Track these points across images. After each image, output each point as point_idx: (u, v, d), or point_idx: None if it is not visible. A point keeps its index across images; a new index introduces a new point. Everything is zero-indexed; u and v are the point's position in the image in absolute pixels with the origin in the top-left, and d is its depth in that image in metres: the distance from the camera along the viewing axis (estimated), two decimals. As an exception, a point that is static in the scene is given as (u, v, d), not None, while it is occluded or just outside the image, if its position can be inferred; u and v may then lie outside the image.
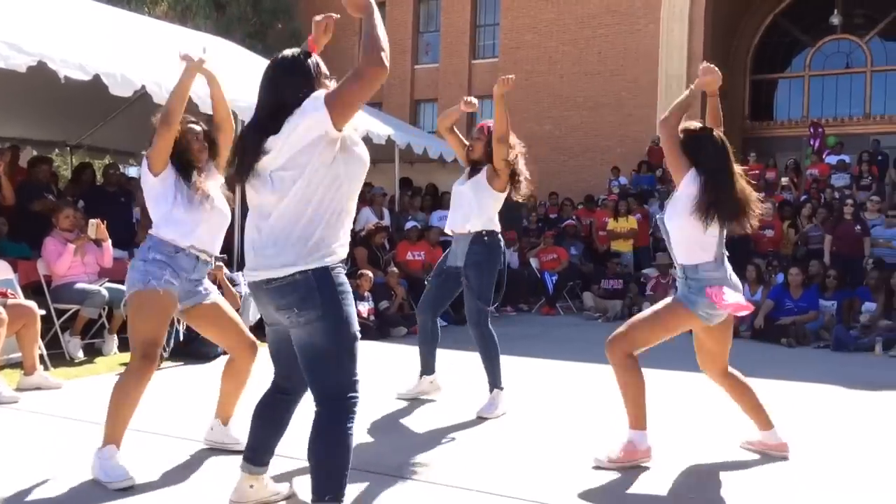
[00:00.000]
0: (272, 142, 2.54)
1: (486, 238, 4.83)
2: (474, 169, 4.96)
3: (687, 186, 3.70)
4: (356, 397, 2.57)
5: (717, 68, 3.84)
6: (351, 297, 2.62)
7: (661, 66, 17.61)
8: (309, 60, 2.65)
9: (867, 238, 10.46)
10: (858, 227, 10.55)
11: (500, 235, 4.94)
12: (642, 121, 17.65)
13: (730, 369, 4.04)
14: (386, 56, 2.47)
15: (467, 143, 5.04)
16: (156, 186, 3.57)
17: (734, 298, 3.66)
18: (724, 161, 3.74)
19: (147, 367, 3.43)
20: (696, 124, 3.87)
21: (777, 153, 16.58)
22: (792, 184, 14.26)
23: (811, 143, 15.93)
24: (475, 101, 4.91)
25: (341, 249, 2.62)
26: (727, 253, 3.85)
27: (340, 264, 2.62)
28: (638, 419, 3.82)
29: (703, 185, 3.66)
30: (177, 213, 3.54)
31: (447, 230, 5.10)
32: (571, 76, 18.60)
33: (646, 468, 3.74)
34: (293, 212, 2.54)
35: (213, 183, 3.71)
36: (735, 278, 3.83)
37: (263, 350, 3.23)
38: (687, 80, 17.27)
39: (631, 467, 3.73)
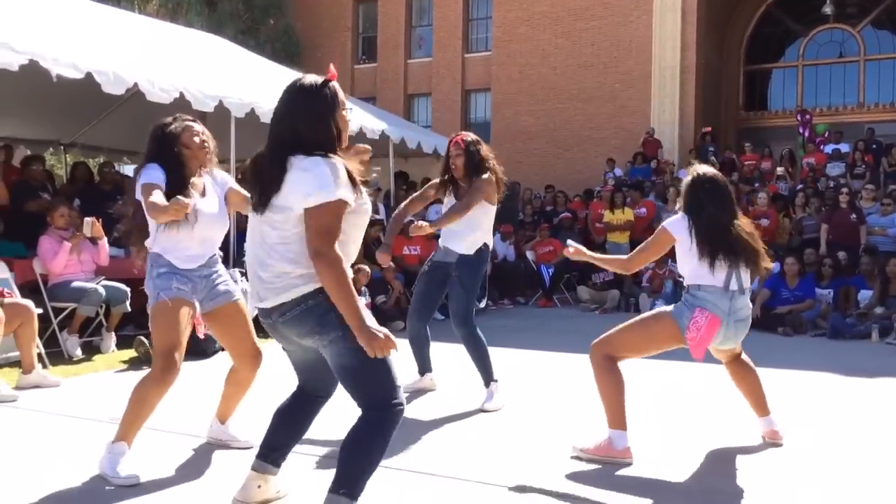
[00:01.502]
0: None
1: (477, 253, 4.87)
2: (458, 186, 4.88)
3: (683, 256, 3.75)
4: (401, 405, 2.56)
5: None
6: (366, 309, 2.58)
7: (655, 58, 17.61)
8: (327, 89, 2.61)
9: (863, 226, 10.49)
10: (854, 215, 10.58)
11: (488, 245, 4.94)
12: (636, 112, 17.67)
13: (743, 356, 4.06)
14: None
15: (450, 164, 4.86)
16: None
17: (702, 334, 3.60)
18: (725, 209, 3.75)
19: (167, 376, 3.43)
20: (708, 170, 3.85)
21: (772, 143, 16.56)
22: (787, 173, 14.29)
23: (801, 131, 15.94)
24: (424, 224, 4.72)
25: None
26: (743, 288, 3.73)
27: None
28: (616, 419, 3.75)
29: (702, 236, 3.68)
30: (169, 231, 3.48)
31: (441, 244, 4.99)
32: (565, 68, 18.60)
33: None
34: (296, 244, 2.54)
35: (210, 188, 3.66)
36: (741, 315, 3.73)
37: (273, 348, 3.23)
38: (681, 71, 17.29)
39: (608, 463, 3.68)
